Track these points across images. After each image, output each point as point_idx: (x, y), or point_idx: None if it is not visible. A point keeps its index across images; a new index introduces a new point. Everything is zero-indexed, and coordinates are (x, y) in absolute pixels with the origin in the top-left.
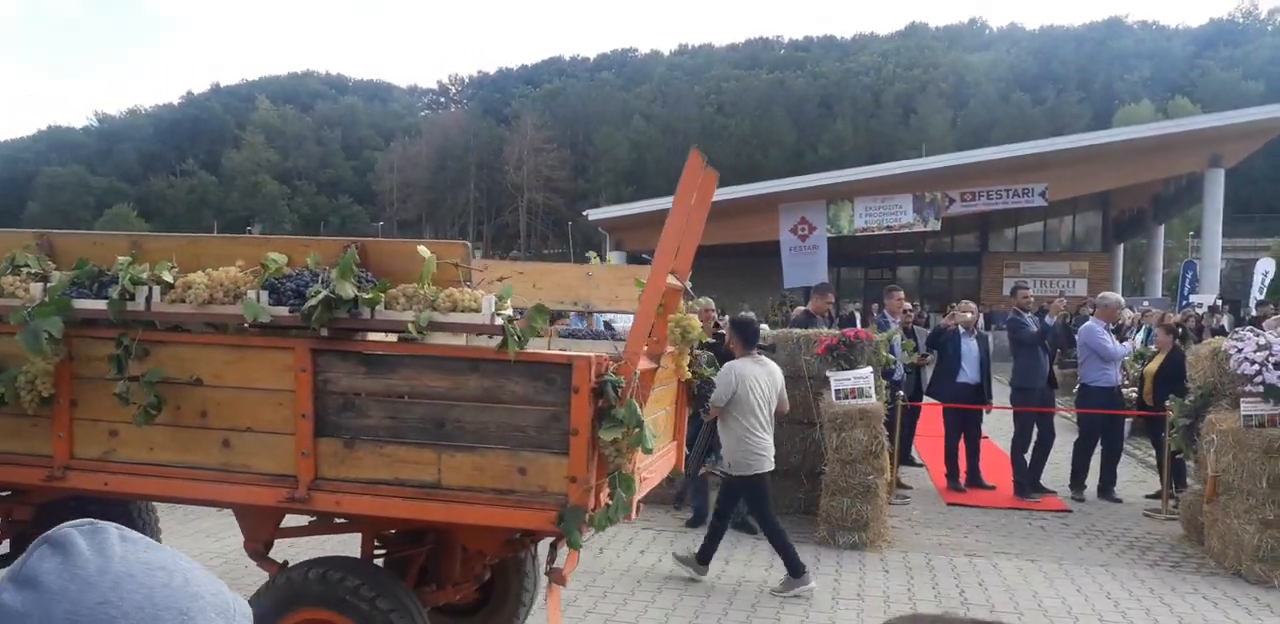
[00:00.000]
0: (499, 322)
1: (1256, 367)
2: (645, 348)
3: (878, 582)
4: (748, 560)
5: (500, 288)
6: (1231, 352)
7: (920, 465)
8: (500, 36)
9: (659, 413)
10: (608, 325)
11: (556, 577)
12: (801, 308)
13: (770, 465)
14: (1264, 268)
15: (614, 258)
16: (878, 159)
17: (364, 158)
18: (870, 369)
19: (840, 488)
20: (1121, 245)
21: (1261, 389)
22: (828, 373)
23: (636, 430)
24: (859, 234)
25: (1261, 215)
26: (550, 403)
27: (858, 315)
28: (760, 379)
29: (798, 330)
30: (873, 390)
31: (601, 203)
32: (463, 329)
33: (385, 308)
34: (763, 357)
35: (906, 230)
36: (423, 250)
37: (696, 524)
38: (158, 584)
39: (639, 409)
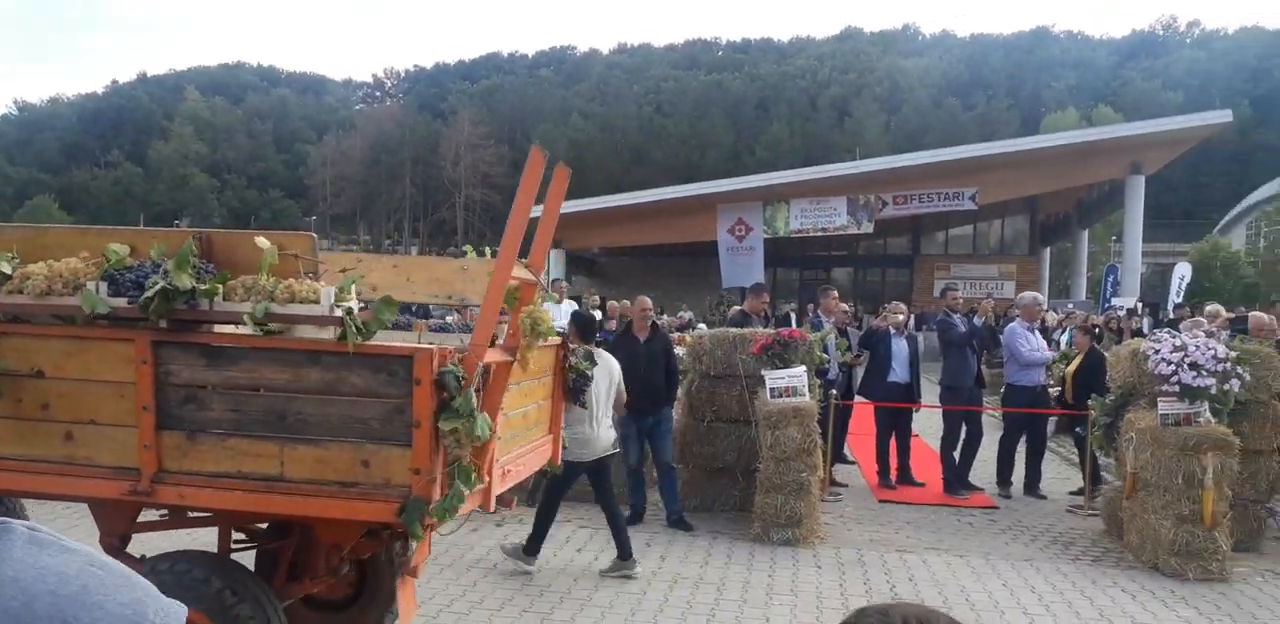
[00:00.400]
0: (338, 313)
1: (1173, 367)
2: (507, 342)
3: (811, 577)
4: (684, 557)
5: (342, 279)
6: (1149, 353)
7: (853, 463)
8: (437, 31)
9: (529, 406)
10: None
11: (406, 569)
12: (738, 307)
13: (591, 456)
14: (1181, 272)
15: (554, 256)
16: (813, 161)
17: (296, 151)
18: (804, 368)
19: (774, 485)
20: (1048, 249)
21: (1178, 389)
22: (763, 372)
23: (470, 421)
24: (795, 235)
25: (1180, 221)
26: (392, 395)
27: (793, 315)
28: (596, 373)
29: (734, 330)
30: (806, 389)
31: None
32: (301, 321)
33: (224, 299)
34: (601, 351)
35: (841, 232)
36: (261, 241)
37: (635, 521)
38: (42, 591)
39: (475, 400)
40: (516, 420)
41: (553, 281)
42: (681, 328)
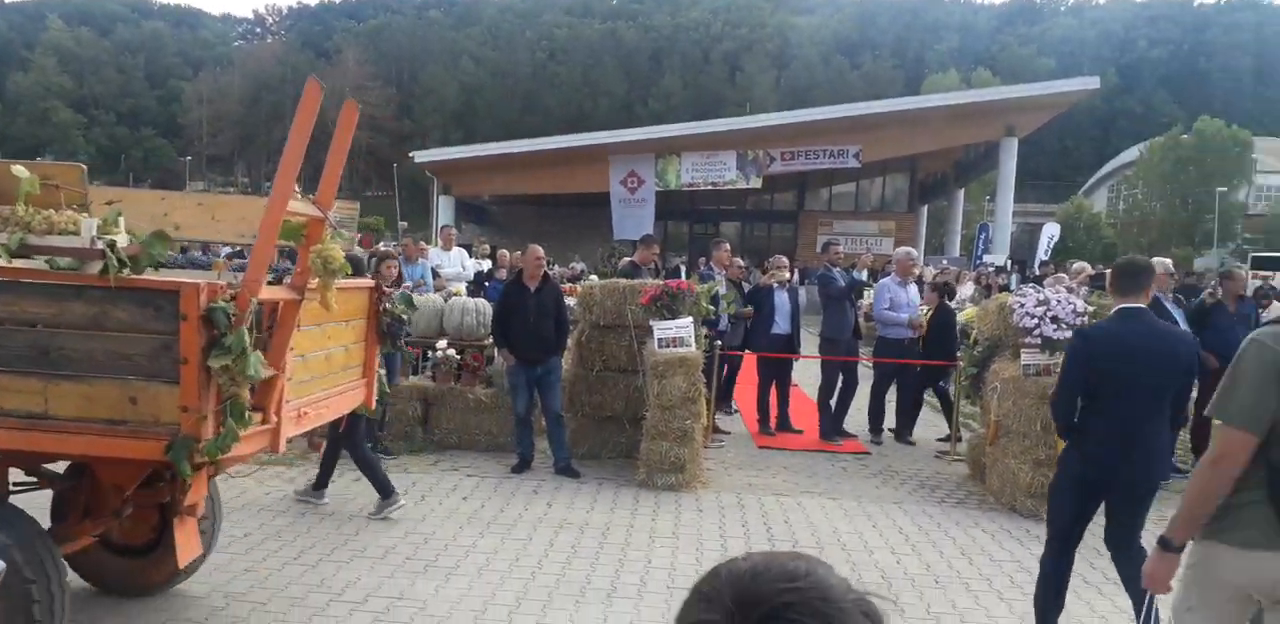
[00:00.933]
0: (99, 246)
1: (1035, 320)
2: (295, 281)
3: (692, 520)
4: (569, 503)
5: (109, 212)
6: (1014, 307)
7: (736, 412)
8: None
9: (334, 349)
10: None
11: (182, 508)
12: (628, 259)
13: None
14: (1050, 231)
15: (444, 203)
16: (704, 115)
17: (170, 88)
18: (691, 319)
19: (660, 432)
20: (925, 207)
21: (1039, 341)
22: (651, 322)
23: (242, 359)
24: (686, 189)
25: (1049, 183)
26: (159, 330)
27: (683, 268)
28: None
29: (623, 281)
30: (693, 339)
31: (429, 145)
32: (59, 252)
33: None
34: None
35: (730, 187)
36: (18, 170)
37: (523, 469)
38: None
39: (247, 337)
40: (318, 362)
41: (441, 228)
42: (573, 279)
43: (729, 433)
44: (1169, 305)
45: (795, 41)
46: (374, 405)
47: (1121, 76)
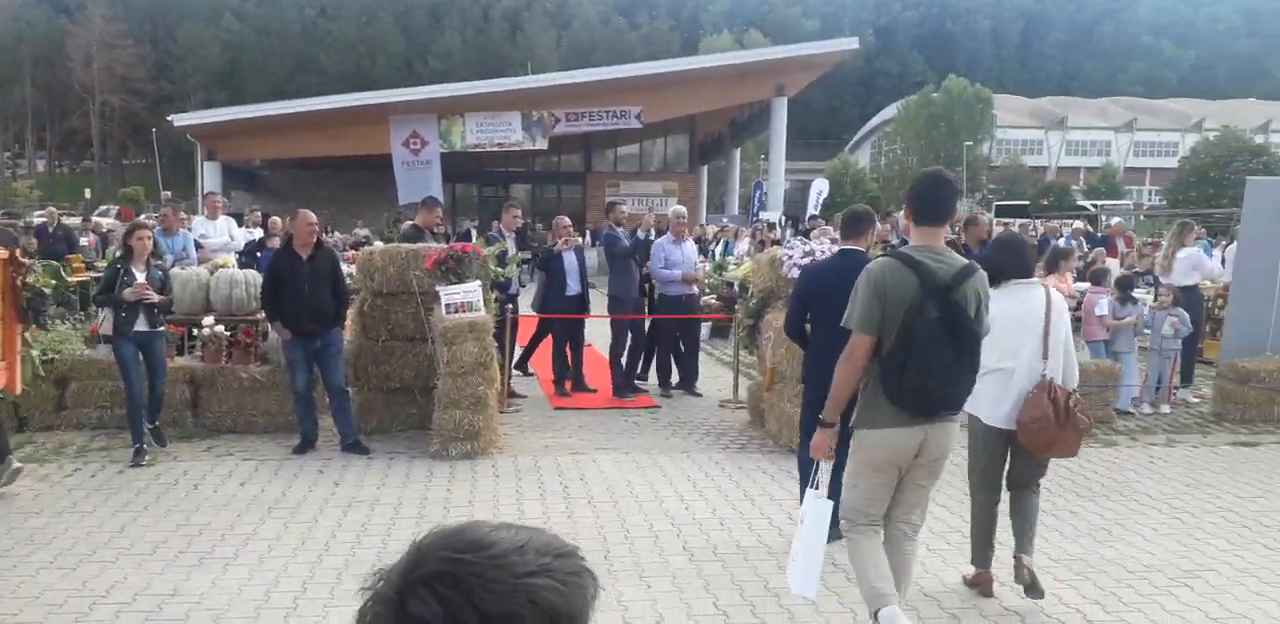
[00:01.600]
0: None
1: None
2: None
3: (488, 487)
4: (359, 481)
5: None
6: (784, 259)
7: (533, 375)
8: None
9: None
10: (198, 243)
11: None
12: (410, 222)
13: None
14: (818, 187)
15: (209, 169)
16: (487, 75)
17: None
18: (479, 283)
19: (452, 401)
20: (705, 166)
21: None
22: (437, 288)
23: None
24: (471, 150)
25: (818, 141)
26: None
27: (473, 231)
28: None
29: (406, 245)
30: (482, 304)
31: (191, 108)
32: None
33: None
34: None
35: (516, 148)
36: None
37: (307, 448)
38: None
39: None
40: None
41: (205, 196)
42: (356, 245)
43: (525, 396)
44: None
45: (574, 1)
46: (18, 389)
47: (879, 38)
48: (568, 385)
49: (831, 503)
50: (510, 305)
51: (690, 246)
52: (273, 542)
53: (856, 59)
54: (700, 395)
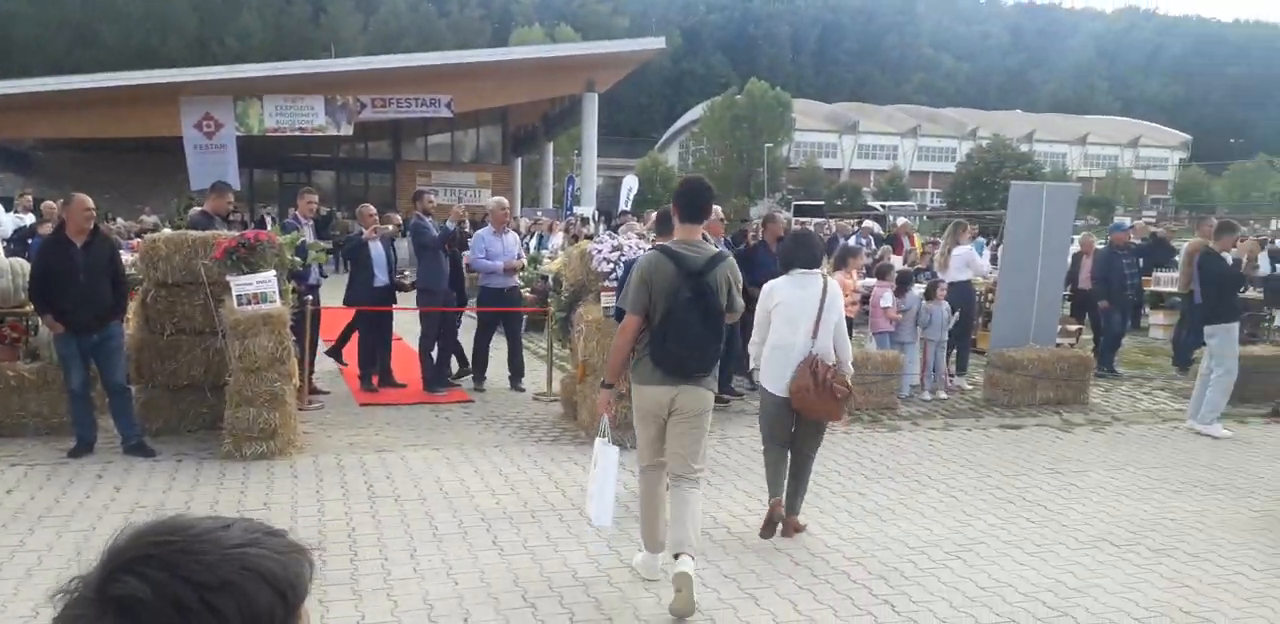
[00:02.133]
0: None
1: (611, 265)
2: None
3: (286, 488)
4: (143, 485)
5: None
6: (593, 253)
7: (346, 364)
8: None
9: None
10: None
11: None
12: (198, 208)
13: None
14: (629, 184)
15: None
16: (287, 57)
17: None
18: (273, 273)
19: (246, 398)
20: (519, 159)
21: (617, 284)
22: (228, 278)
23: None
24: (271, 134)
25: (629, 139)
26: None
27: (269, 218)
28: None
29: (194, 233)
30: (277, 294)
31: None
32: None
33: None
34: None
35: (320, 133)
36: None
37: (85, 452)
38: None
39: None
40: None
41: None
42: (142, 233)
43: (328, 393)
44: (720, 247)
45: None
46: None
47: (686, 39)
48: (375, 380)
49: (617, 448)
50: (310, 297)
51: (512, 238)
52: (43, 553)
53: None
54: (522, 390)
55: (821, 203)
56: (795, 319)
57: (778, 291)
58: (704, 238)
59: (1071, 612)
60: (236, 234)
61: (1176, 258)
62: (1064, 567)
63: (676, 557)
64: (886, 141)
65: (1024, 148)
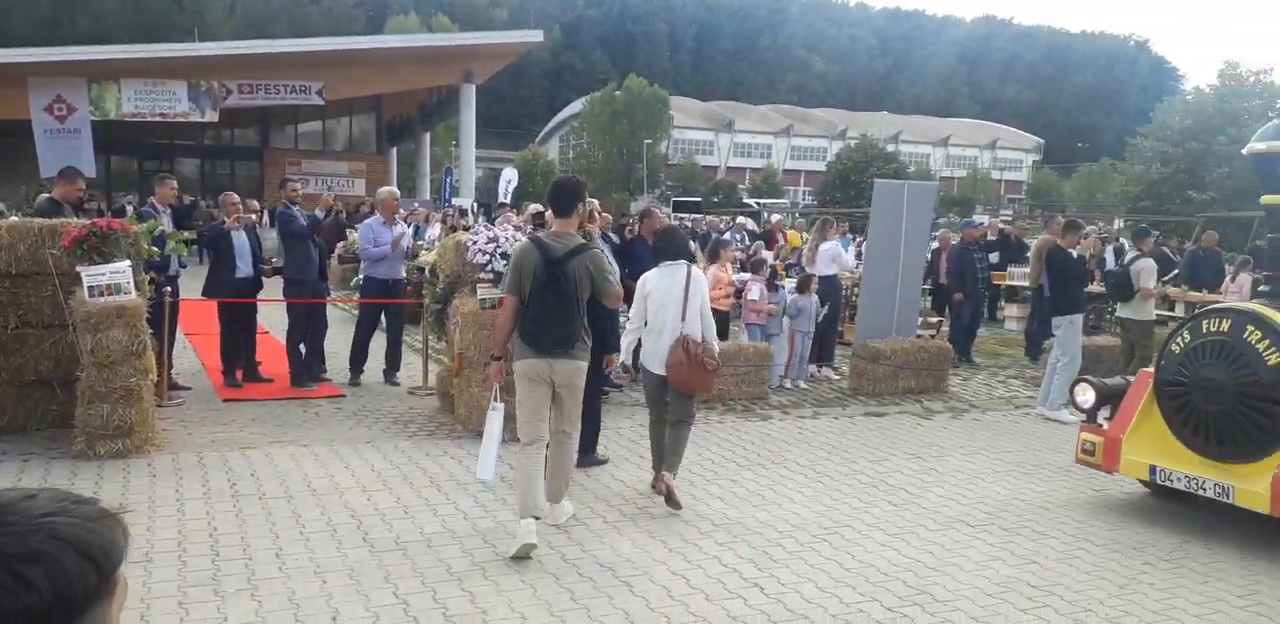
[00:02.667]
0: None
1: (487, 256)
2: None
3: (143, 487)
4: None
5: None
6: (469, 244)
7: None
8: None
9: None
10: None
11: None
12: (46, 195)
13: None
14: (508, 176)
15: None
16: (146, 39)
17: None
18: (129, 263)
19: (99, 394)
20: (395, 149)
21: (492, 276)
22: (79, 268)
23: None
24: (130, 119)
25: (509, 131)
26: None
27: (128, 207)
28: None
29: (40, 221)
30: (132, 286)
31: None
32: None
33: None
34: None
35: (182, 119)
36: None
37: None
38: None
39: None
40: None
41: None
42: None
43: (189, 388)
44: (599, 241)
45: None
46: None
47: (565, 33)
48: (239, 375)
49: (502, 409)
50: (169, 288)
51: (401, 228)
52: None
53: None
54: (398, 385)
55: (699, 199)
56: (666, 305)
57: (649, 282)
58: (585, 233)
59: (930, 589)
60: (87, 223)
61: (1028, 254)
62: (923, 547)
63: (552, 506)
64: (761, 140)
65: (890, 148)
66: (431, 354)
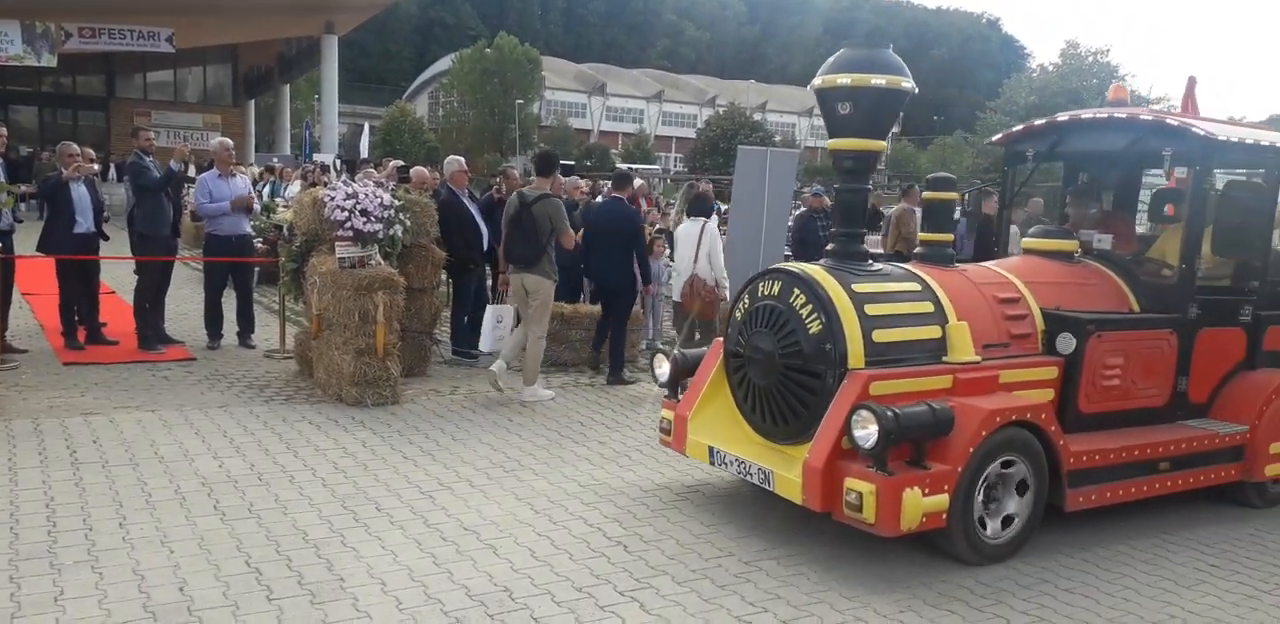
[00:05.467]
0: None
1: (346, 213)
2: None
3: None
4: None
5: None
6: (326, 200)
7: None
8: None
9: None
10: None
11: None
12: None
13: None
14: (365, 132)
15: None
16: None
17: None
18: None
19: None
20: (253, 102)
21: (352, 234)
22: None
23: None
24: None
25: (375, 86)
26: None
27: None
28: None
29: None
30: None
31: None
32: None
33: None
34: None
35: (16, 63)
36: None
37: None
38: None
39: None
40: None
41: None
42: None
43: (26, 351)
44: (465, 200)
45: None
46: None
47: None
48: (81, 337)
49: (493, 309)
50: (1, 244)
51: (241, 181)
52: None
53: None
54: (253, 347)
55: (573, 163)
56: (685, 252)
57: (679, 233)
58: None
59: (786, 545)
60: None
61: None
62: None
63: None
64: (633, 105)
65: (757, 117)
66: (289, 315)
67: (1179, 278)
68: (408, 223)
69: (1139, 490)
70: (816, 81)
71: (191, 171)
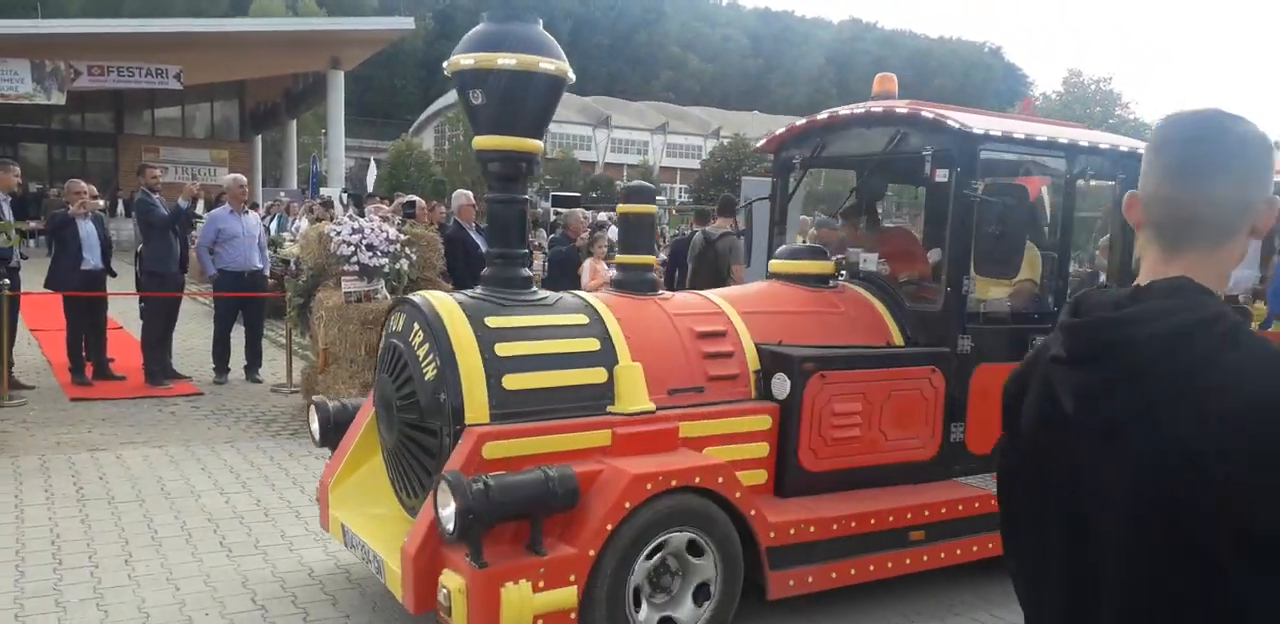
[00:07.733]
0: None
1: (352, 248)
2: None
3: None
4: None
5: None
6: (332, 235)
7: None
8: None
9: None
10: None
11: None
12: None
13: None
14: (373, 167)
15: None
16: None
17: None
18: None
19: None
20: (260, 136)
21: (358, 268)
22: None
23: None
24: None
25: (381, 120)
26: None
27: None
28: None
29: None
30: None
31: None
32: None
33: None
34: None
35: (26, 101)
36: None
37: None
38: None
39: None
40: None
41: None
42: None
43: (33, 387)
44: (473, 234)
45: None
46: None
47: (439, 22)
48: (88, 373)
49: None
50: (8, 280)
51: (252, 218)
52: None
53: (417, 40)
54: (260, 381)
55: (579, 194)
56: None
57: None
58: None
59: None
60: None
61: None
62: None
63: None
64: (638, 137)
65: None
66: (296, 350)
67: (944, 304)
68: (414, 257)
69: (879, 569)
70: (445, 64)
71: (200, 208)
